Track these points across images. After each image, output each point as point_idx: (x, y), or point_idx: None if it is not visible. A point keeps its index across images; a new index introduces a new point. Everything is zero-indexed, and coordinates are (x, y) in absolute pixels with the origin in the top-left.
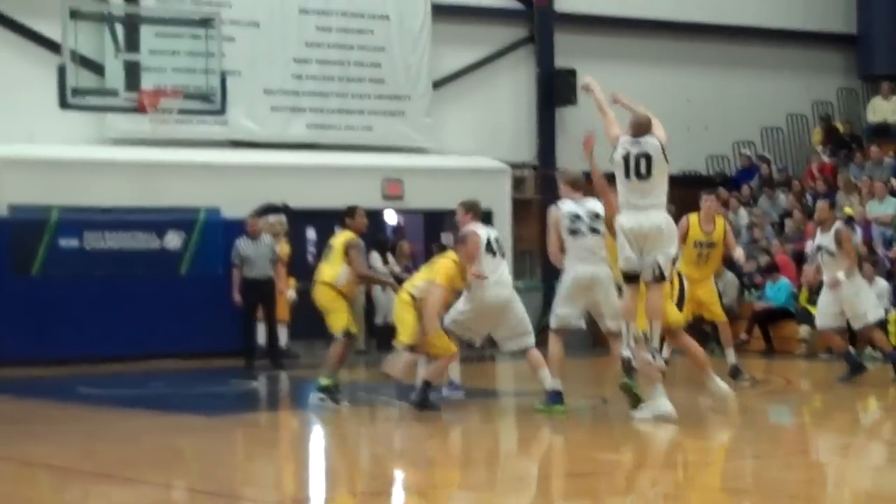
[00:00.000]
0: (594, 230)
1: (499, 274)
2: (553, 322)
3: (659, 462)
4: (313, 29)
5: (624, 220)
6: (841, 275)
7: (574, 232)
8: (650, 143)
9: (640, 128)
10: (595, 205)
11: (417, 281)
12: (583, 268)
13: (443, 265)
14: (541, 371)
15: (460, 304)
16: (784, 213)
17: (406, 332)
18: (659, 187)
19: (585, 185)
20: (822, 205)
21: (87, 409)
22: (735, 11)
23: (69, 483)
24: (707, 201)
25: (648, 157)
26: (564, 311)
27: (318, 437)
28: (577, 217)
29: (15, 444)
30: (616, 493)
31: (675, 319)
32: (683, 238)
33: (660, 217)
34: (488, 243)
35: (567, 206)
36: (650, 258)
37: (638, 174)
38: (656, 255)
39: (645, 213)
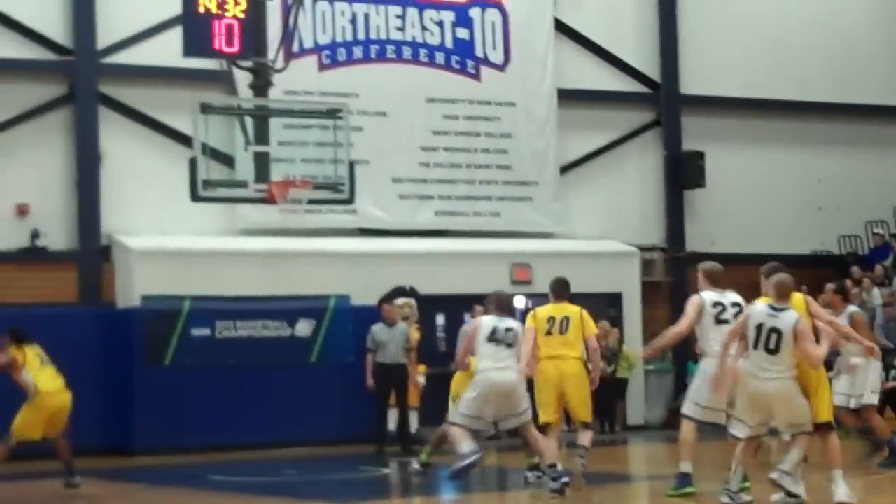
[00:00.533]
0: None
1: (498, 360)
2: (689, 410)
3: None
4: (440, 117)
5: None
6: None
7: (720, 321)
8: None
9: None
10: (735, 296)
11: None
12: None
13: None
14: (538, 444)
15: (465, 393)
16: None
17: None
18: None
19: (724, 278)
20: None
21: (220, 497)
22: (863, 90)
23: None
24: None
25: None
26: (706, 402)
27: None
28: (720, 305)
29: None
30: None
31: None
32: None
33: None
34: (493, 332)
35: (710, 295)
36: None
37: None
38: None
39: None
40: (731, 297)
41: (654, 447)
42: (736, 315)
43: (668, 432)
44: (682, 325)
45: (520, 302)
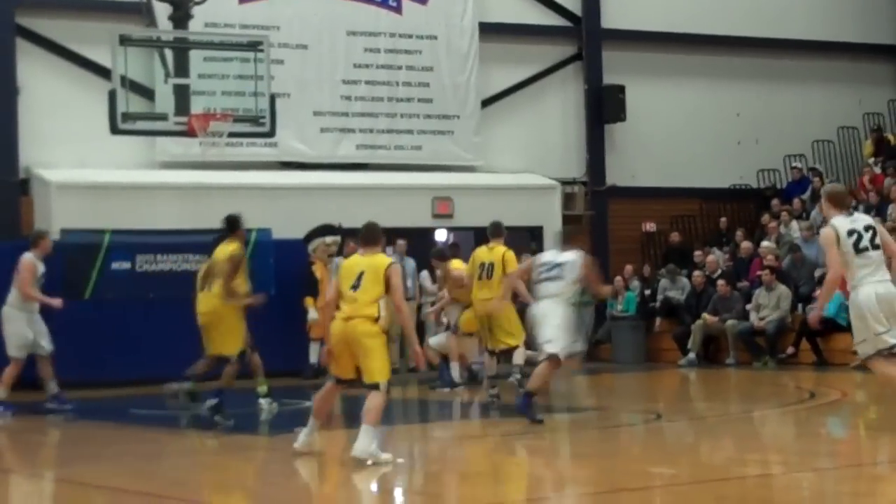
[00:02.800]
0: (875, 245)
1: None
2: (870, 348)
3: (714, 476)
4: (361, 50)
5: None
6: None
7: (860, 250)
8: None
9: None
10: (866, 218)
11: None
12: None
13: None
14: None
15: None
16: None
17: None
18: None
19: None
20: None
21: (141, 431)
22: (784, 25)
23: None
24: None
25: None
26: (882, 330)
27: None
28: (854, 233)
29: (70, 466)
30: None
31: None
32: None
33: None
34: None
35: (841, 223)
36: None
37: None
38: None
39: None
40: (863, 219)
41: (576, 379)
42: (873, 239)
43: (589, 364)
44: (833, 269)
45: (441, 235)
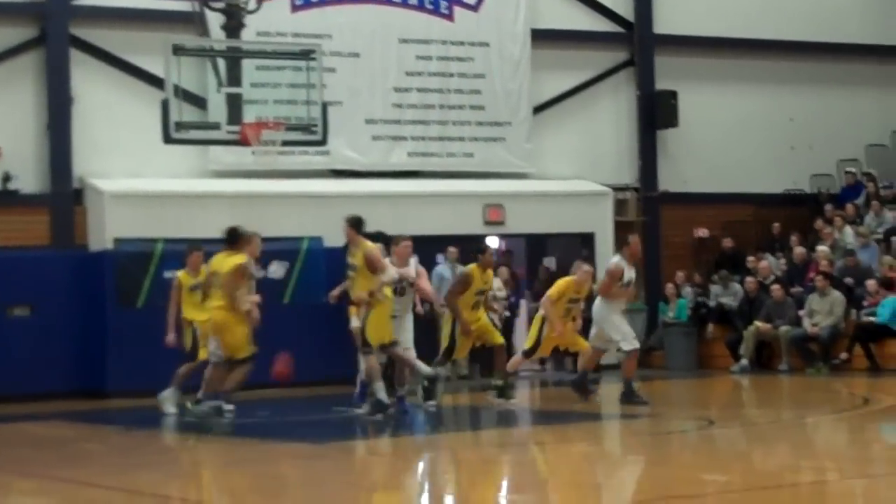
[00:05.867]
0: None
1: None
2: None
3: (767, 483)
4: (413, 58)
5: None
6: None
7: None
8: None
9: None
10: None
11: None
12: None
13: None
14: None
15: None
16: (890, 230)
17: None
18: None
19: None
20: None
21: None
22: (836, 29)
23: None
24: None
25: None
26: None
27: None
28: None
29: (124, 475)
30: None
31: None
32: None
33: None
34: None
35: None
36: None
37: None
38: None
39: None
40: None
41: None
42: None
43: (641, 371)
44: None
45: (493, 242)
